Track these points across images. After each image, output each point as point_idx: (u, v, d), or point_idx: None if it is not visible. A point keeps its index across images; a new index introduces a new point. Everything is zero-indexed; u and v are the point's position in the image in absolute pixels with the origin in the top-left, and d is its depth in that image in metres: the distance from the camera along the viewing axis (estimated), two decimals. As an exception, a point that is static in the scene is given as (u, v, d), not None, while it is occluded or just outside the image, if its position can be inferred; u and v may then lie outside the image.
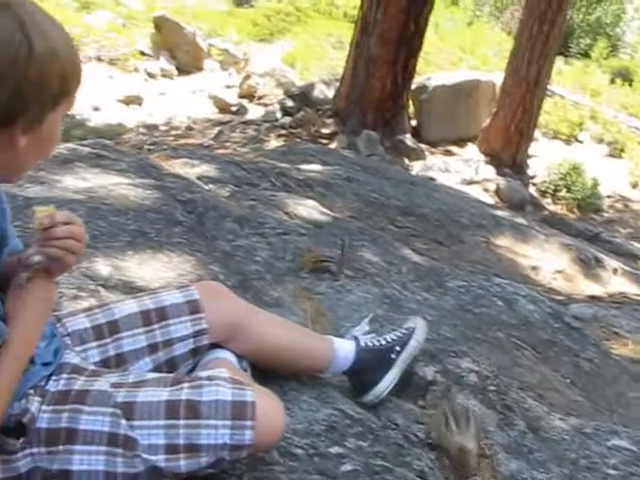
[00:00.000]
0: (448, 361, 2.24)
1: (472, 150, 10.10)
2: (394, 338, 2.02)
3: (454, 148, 10.12)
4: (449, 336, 2.51)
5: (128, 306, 1.68)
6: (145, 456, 1.34)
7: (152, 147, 7.23)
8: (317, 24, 16.86)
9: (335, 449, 1.62)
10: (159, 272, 2.42)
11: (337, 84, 10.59)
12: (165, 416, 1.37)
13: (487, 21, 18.83)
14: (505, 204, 8.77)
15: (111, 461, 1.34)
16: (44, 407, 1.35)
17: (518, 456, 1.93)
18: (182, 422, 1.37)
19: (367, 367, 1.96)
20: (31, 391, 1.35)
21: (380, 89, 9.53)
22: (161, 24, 14.23)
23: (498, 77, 10.36)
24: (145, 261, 2.49)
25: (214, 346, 1.74)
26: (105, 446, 1.34)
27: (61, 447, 1.33)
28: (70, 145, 4.07)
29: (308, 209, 3.74)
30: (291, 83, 12.46)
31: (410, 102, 10.19)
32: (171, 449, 1.36)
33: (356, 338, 2.00)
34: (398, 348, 2.00)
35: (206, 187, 3.87)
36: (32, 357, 1.35)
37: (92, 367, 1.51)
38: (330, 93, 10.72)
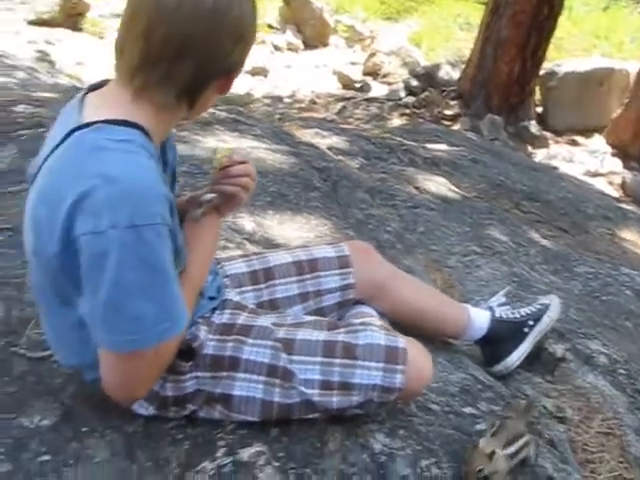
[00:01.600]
0: (577, 341, 2.27)
1: (599, 141, 9.79)
2: (528, 312, 2.06)
3: (580, 138, 9.83)
4: (577, 319, 2.53)
5: (282, 256, 1.81)
6: (301, 389, 1.46)
7: (281, 117, 7.39)
8: (445, 4, 16.62)
9: (469, 409, 1.70)
10: (298, 232, 2.54)
11: (463, 66, 10.48)
12: (322, 354, 1.48)
13: (625, 5, 18.09)
14: (630, 198, 8.51)
15: (269, 390, 1.46)
16: (210, 336, 1.48)
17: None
18: (338, 361, 1.48)
19: (500, 338, 2.02)
20: (200, 320, 1.48)
21: (507, 73, 9.36)
22: (290, -2, 14.41)
23: (634, 66, 9.96)
24: (285, 221, 2.62)
25: (357, 303, 1.83)
26: (265, 376, 1.46)
27: (224, 373, 1.46)
28: (209, 109, 4.25)
29: (437, 185, 3.79)
30: (416, 63, 12.41)
31: (537, 88, 9.96)
32: (326, 385, 1.47)
33: (491, 309, 2.06)
34: (531, 322, 2.05)
35: (336, 158, 3.98)
36: (201, 290, 1.48)
37: (252, 306, 1.64)
38: (455, 75, 10.62)
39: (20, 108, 3.65)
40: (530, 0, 8.93)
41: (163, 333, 1.26)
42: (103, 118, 1.24)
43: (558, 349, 2.18)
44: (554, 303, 2.12)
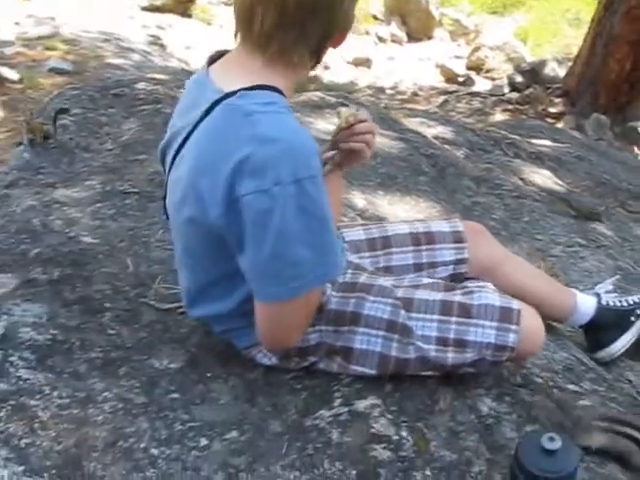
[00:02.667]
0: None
1: None
2: (636, 301, 2.07)
3: (691, 141, 9.52)
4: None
5: (400, 226, 1.89)
6: (419, 344, 1.54)
7: (386, 106, 7.45)
8: (554, -1, 16.33)
9: (572, 386, 1.74)
10: (408, 212, 2.62)
11: (570, 63, 10.26)
12: (439, 312, 1.56)
13: None
14: None
15: (387, 344, 1.55)
16: (334, 293, 1.57)
17: None
18: (454, 319, 1.56)
19: (605, 325, 2.04)
20: None
21: (618, 71, 9.11)
22: (395, -11, 14.40)
23: None
24: (395, 202, 2.69)
25: (468, 279, 1.89)
26: (384, 331, 1.55)
27: (346, 327, 1.55)
28: (318, 94, 4.36)
29: (543, 178, 3.79)
30: (521, 58, 12.23)
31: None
32: (442, 341, 1.54)
33: (598, 295, 2.07)
34: (639, 312, 2.05)
35: (442, 146, 4.02)
36: None
37: (371, 268, 1.73)
38: (562, 72, 10.41)
39: (141, 85, 3.83)
40: (646, -4, 8.69)
41: (319, 278, 1.37)
42: (243, 86, 1.34)
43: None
44: None
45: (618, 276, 2.39)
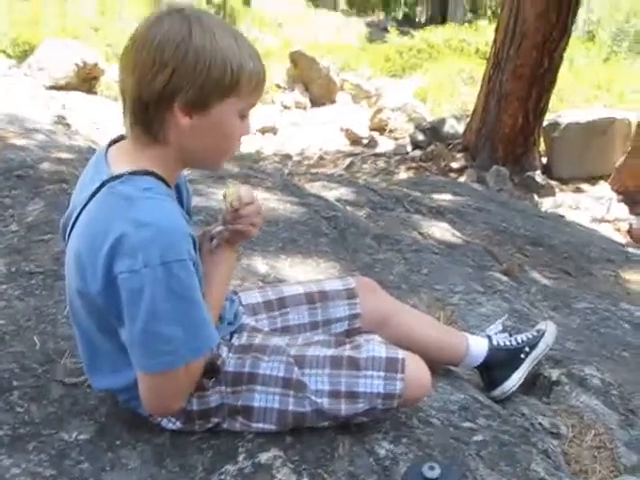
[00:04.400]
0: (573, 367, 2.41)
1: (604, 188, 9.98)
2: (524, 339, 2.21)
3: (585, 186, 10.01)
4: (574, 349, 2.67)
5: (294, 287, 2.00)
6: (313, 398, 1.63)
7: (290, 172, 7.62)
8: (449, 60, 17.06)
9: (467, 424, 1.84)
10: (309, 274, 2.72)
11: (468, 119, 10.74)
12: (330, 367, 1.66)
13: (625, 57, 18.48)
14: (638, 244, 8.63)
15: (284, 400, 1.63)
16: (230, 355, 1.66)
17: (640, 451, 2.06)
18: (344, 372, 1.65)
19: (497, 364, 2.17)
20: (221, 341, 1.66)
21: (511, 125, 9.60)
22: (297, 59, 14.86)
23: (635, 115, 10.20)
24: (296, 264, 2.80)
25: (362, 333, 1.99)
26: (280, 388, 1.63)
27: (244, 387, 1.63)
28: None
29: (441, 231, 3.97)
30: (422, 117, 12.73)
31: (541, 139, 10.20)
32: (334, 394, 1.64)
33: (489, 337, 2.21)
34: (527, 349, 2.20)
35: (344, 208, 4.17)
36: (221, 315, 1.66)
37: (267, 329, 1.82)
38: (460, 128, 10.88)
39: (45, 166, 3.87)
40: (530, 53, 9.20)
41: (192, 353, 1.45)
42: (127, 170, 1.44)
43: (554, 373, 2.33)
44: (550, 329, 2.27)
45: (506, 316, 2.53)
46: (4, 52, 13.26)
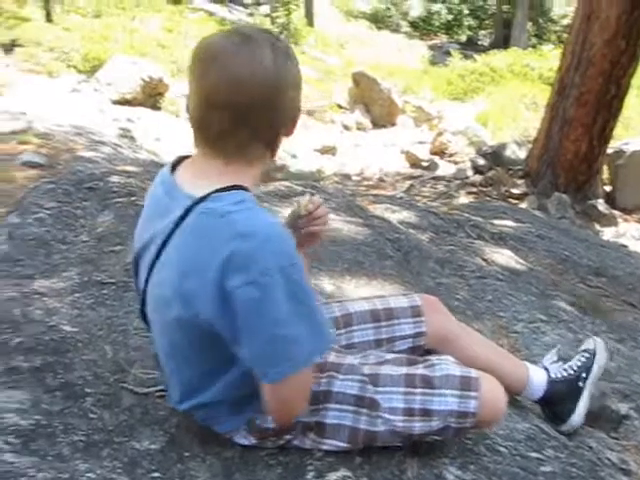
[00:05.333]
0: (641, 401, 2.37)
1: (669, 220, 9.79)
2: (579, 365, 2.18)
3: (650, 216, 9.84)
4: (641, 383, 2.62)
5: (360, 304, 2.01)
6: (386, 416, 1.64)
7: (352, 193, 7.65)
8: (511, 85, 16.94)
9: (534, 454, 1.83)
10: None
11: (529, 145, 10.63)
12: (404, 385, 1.67)
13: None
14: None
15: (357, 418, 1.65)
16: None
17: None
18: (418, 390, 1.66)
19: (559, 397, 2.14)
20: None
21: (574, 152, 9.45)
22: (359, 79, 14.92)
23: (703, 145, 9.97)
24: (361, 286, 2.81)
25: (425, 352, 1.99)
26: (353, 406, 1.65)
27: (320, 405, 1.65)
28: (286, 183, 4.52)
29: (505, 258, 3.94)
30: (483, 142, 12.66)
31: (605, 167, 10.04)
32: (408, 412, 1.65)
33: (546, 368, 2.18)
34: (584, 375, 2.17)
35: (407, 230, 4.17)
36: None
37: (337, 347, 1.83)
38: (522, 154, 10.78)
39: (114, 178, 3.96)
40: (597, 80, 9.07)
41: (316, 352, 1.49)
42: (212, 189, 1.47)
43: (622, 407, 2.29)
44: (599, 347, 2.23)
45: (560, 346, 2.50)
46: (75, 67, 13.63)
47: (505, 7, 28.83)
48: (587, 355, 2.22)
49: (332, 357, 1.73)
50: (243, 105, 1.43)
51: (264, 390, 1.50)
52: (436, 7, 31.31)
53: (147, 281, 1.60)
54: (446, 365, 1.72)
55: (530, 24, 27.64)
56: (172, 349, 1.61)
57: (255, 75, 1.42)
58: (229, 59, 1.42)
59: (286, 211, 3.85)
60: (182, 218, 1.48)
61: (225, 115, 1.44)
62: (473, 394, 1.66)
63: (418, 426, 1.65)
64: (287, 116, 1.52)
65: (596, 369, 2.19)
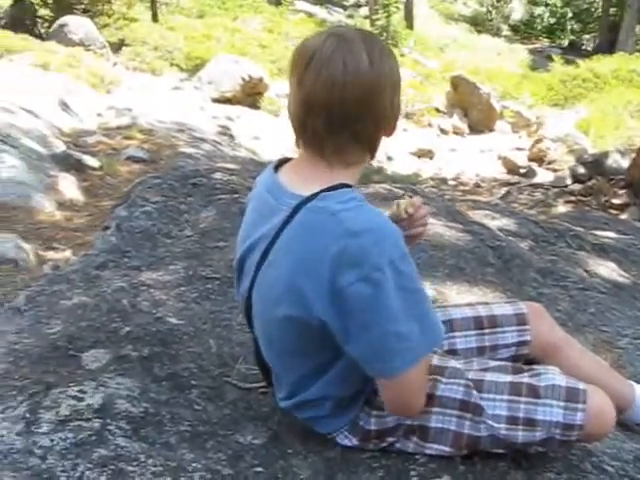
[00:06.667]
0: None
1: None
2: None
3: None
4: None
5: (463, 310, 1.98)
6: (490, 422, 1.61)
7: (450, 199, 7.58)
8: (615, 91, 16.45)
9: (643, 476, 1.76)
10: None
11: (633, 154, 10.29)
12: (509, 393, 1.64)
13: None
14: None
15: (461, 423, 1.63)
16: None
17: None
18: (523, 399, 1.63)
19: None
20: None
21: (680, 162, 9.13)
22: (457, 83, 14.78)
23: None
24: (463, 292, 2.78)
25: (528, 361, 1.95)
26: (458, 410, 1.63)
27: (423, 408, 1.62)
28: (385, 186, 4.52)
29: (608, 270, 3.82)
30: (583, 150, 12.33)
31: None
32: (512, 420, 1.62)
33: None
34: None
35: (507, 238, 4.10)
36: None
37: (440, 351, 1.82)
38: (624, 163, 10.44)
39: (217, 175, 4.05)
40: None
41: (430, 344, 1.49)
42: (319, 188, 1.49)
43: None
44: None
45: None
46: (178, 66, 14.00)
47: (612, 10, 27.95)
48: None
49: (435, 360, 1.72)
50: (339, 107, 1.44)
51: (381, 387, 1.51)
52: (539, 10, 30.70)
53: (252, 284, 1.62)
54: (552, 375, 1.68)
55: (639, 27, 26.70)
56: (280, 348, 1.62)
57: (350, 76, 1.42)
58: (324, 62, 1.43)
59: (385, 212, 3.88)
60: (290, 217, 1.49)
61: (322, 118, 1.45)
62: (580, 406, 1.62)
63: (521, 435, 1.62)
64: (386, 116, 1.51)
65: None
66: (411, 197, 1.81)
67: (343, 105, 1.43)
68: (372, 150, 1.56)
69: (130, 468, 1.52)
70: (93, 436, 1.60)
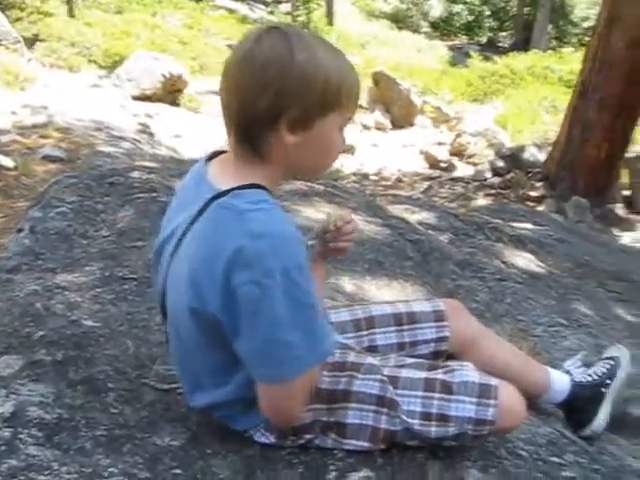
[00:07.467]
0: (663, 408, 2.35)
1: (688, 225, 9.70)
2: (603, 371, 2.18)
3: (669, 221, 9.75)
4: (663, 389, 2.60)
5: (383, 307, 2.01)
6: (404, 417, 1.64)
7: (371, 193, 7.64)
8: (531, 87, 16.90)
9: (555, 459, 1.82)
10: (395, 297, 2.72)
11: (549, 148, 10.58)
12: (423, 389, 1.66)
13: None
14: None
15: (378, 418, 1.65)
16: (324, 373, 1.66)
17: None
18: (437, 395, 1.66)
19: (581, 402, 2.14)
20: None
21: (595, 156, 9.39)
22: (379, 79, 14.90)
23: None
24: (382, 287, 2.81)
25: (448, 356, 1.99)
26: (374, 405, 1.65)
27: (339, 405, 1.64)
28: (306, 182, 4.52)
29: (524, 261, 3.92)
30: (502, 144, 12.61)
31: (625, 171, 9.98)
32: (425, 416, 1.64)
33: (569, 372, 2.18)
34: (608, 381, 2.17)
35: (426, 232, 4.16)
36: None
37: (357, 348, 1.83)
38: (541, 157, 10.73)
39: (135, 174, 3.97)
40: (618, 84, 9.01)
41: (314, 359, 1.48)
42: (235, 185, 1.47)
43: (643, 413, 2.28)
44: (624, 354, 2.23)
45: (586, 352, 2.49)
46: (96, 62, 13.72)
47: (526, 9, 28.71)
48: (612, 362, 2.21)
49: (352, 357, 1.73)
50: (252, 104, 1.42)
51: (258, 390, 1.50)
52: (457, 8, 31.28)
53: (166, 274, 1.61)
54: (466, 372, 1.71)
55: (551, 26, 27.50)
56: (184, 339, 1.60)
57: (259, 73, 1.41)
58: (238, 56, 1.44)
59: (306, 210, 3.88)
60: (203, 209, 1.48)
61: (240, 113, 1.45)
62: (492, 402, 1.65)
63: (435, 430, 1.64)
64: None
65: (620, 376, 2.18)
66: (344, 211, 1.84)
67: (281, 102, 1.42)
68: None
69: (42, 477, 1.47)
70: (2, 446, 1.55)
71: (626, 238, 9.01)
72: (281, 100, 1.42)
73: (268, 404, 1.52)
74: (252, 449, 1.66)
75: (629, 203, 9.87)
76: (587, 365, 2.26)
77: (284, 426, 1.63)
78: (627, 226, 9.33)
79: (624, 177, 10.06)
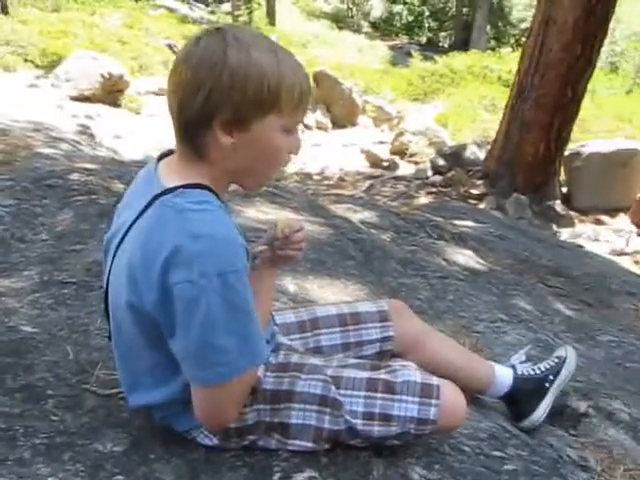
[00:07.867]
0: (600, 400, 2.41)
1: (623, 221, 9.96)
2: (547, 367, 2.23)
3: (605, 217, 9.99)
4: (599, 382, 2.67)
5: (327, 309, 2.02)
6: (347, 417, 1.64)
7: (313, 192, 7.66)
8: (471, 87, 17.15)
9: (497, 453, 1.85)
10: (337, 296, 2.73)
11: (489, 146, 10.76)
12: (366, 389, 1.67)
13: (649, 89, 18.49)
14: (656, 278, 8.57)
15: (321, 418, 1.65)
16: (268, 374, 1.67)
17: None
18: (379, 395, 1.67)
19: (523, 395, 2.18)
20: None
21: (532, 154, 9.60)
22: (320, 79, 14.94)
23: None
24: (325, 286, 2.82)
25: (393, 356, 2.01)
26: (317, 405, 1.65)
27: (282, 405, 1.64)
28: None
29: (466, 258, 3.98)
30: (442, 143, 12.78)
31: (562, 168, 10.20)
32: (368, 416, 1.65)
33: (513, 366, 2.22)
34: (551, 377, 2.21)
35: (369, 231, 4.19)
36: None
37: (302, 349, 1.84)
38: (481, 155, 10.90)
39: (74, 176, 3.91)
40: (554, 83, 9.24)
41: (246, 364, 1.47)
42: (180, 183, 1.46)
43: (581, 405, 2.33)
44: (570, 355, 2.28)
45: (530, 346, 2.53)
46: (32, 62, 13.43)
47: (465, 10, 29.13)
48: (557, 360, 2.26)
49: (295, 358, 1.73)
50: (188, 105, 1.43)
51: (192, 391, 1.50)
52: (397, 8, 31.56)
53: (110, 269, 1.59)
54: (408, 371, 1.73)
55: (489, 27, 27.95)
56: (123, 340, 1.58)
57: (193, 74, 1.41)
58: (179, 58, 1.45)
59: (248, 211, 3.87)
60: (147, 206, 1.47)
61: (180, 113, 1.45)
62: (434, 402, 1.67)
63: (377, 430, 1.65)
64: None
65: (565, 373, 2.23)
66: (292, 218, 1.81)
67: (214, 102, 1.42)
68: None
69: (-23, 489, 1.44)
70: None
71: (565, 234, 9.23)
72: (213, 100, 1.41)
73: (199, 406, 1.51)
74: (196, 452, 1.65)
75: (567, 200, 10.09)
76: (531, 360, 2.30)
77: (215, 430, 1.62)
78: (565, 222, 9.54)
79: (562, 175, 10.29)
